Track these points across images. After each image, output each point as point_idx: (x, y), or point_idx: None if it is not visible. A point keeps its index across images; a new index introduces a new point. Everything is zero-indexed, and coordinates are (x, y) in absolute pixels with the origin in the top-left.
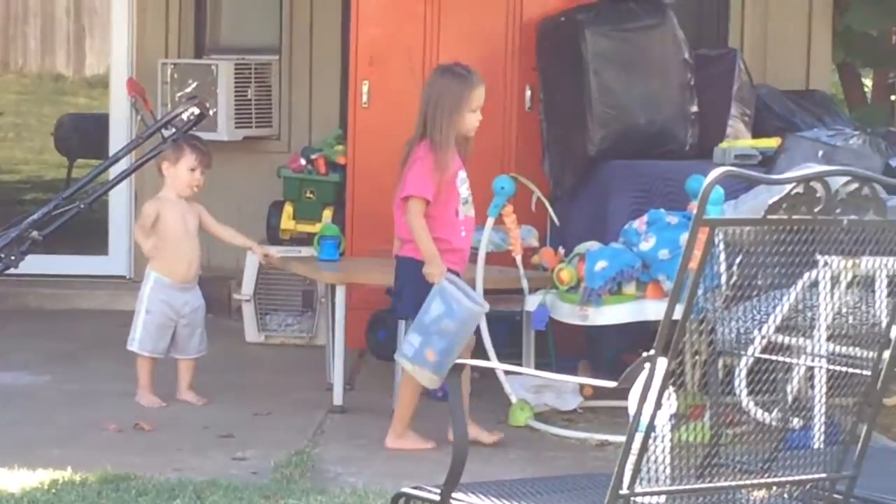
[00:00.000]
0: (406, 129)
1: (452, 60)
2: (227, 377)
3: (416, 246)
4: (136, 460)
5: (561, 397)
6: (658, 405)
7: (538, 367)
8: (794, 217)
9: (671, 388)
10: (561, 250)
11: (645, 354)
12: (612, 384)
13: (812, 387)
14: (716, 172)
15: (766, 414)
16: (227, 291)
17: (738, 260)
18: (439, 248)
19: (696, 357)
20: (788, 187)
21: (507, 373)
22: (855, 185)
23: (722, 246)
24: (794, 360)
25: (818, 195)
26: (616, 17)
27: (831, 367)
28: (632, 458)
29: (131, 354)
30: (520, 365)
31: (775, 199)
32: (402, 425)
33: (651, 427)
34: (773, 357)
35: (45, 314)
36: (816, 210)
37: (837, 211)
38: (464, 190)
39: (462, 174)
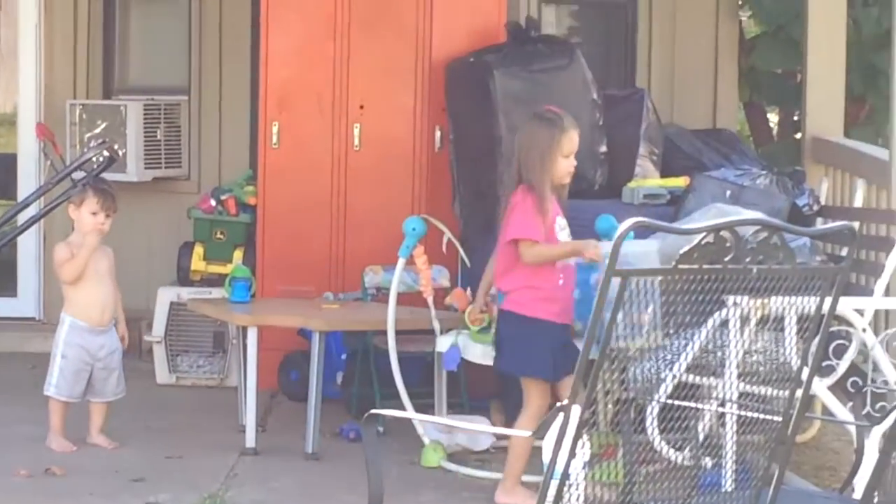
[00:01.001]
0: (316, 169)
1: (545, 107)
2: (138, 420)
3: (518, 298)
4: None
5: (473, 437)
6: (573, 453)
7: (450, 406)
8: (705, 266)
9: (585, 436)
10: (469, 292)
11: (559, 404)
12: (527, 432)
13: (723, 425)
14: (626, 224)
15: (677, 453)
16: (137, 333)
17: (650, 307)
18: (538, 297)
19: (608, 397)
20: (698, 238)
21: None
22: (764, 234)
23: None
24: (705, 406)
25: (728, 244)
26: (524, 59)
27: (742, 412)
28: None
29: (42, 397)
30: (432, 403)
31: (686, 248)
32: (512, 480)
33: (566, 475)
34: (684, 403)
35: None
36: (727, 259)
37: (747, 259)
38: (563, 236)
39: (561, 221)
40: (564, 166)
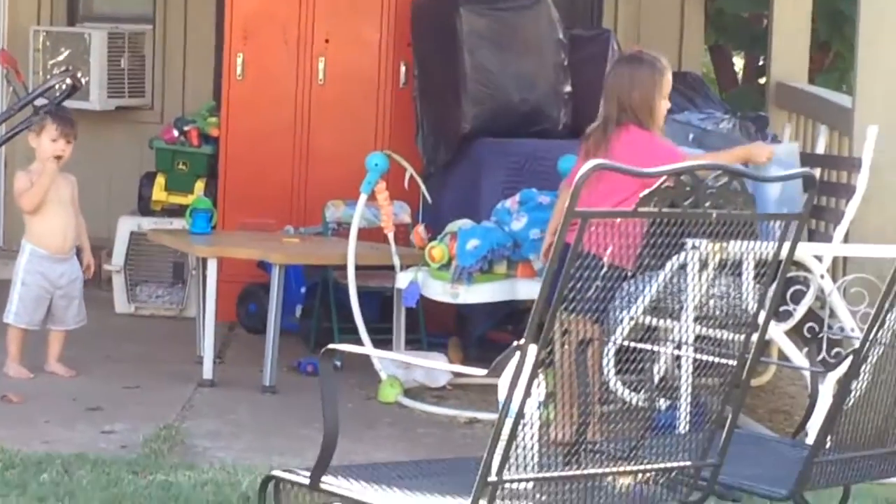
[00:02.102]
0: (280, 102)
1: (636, 48)
2: (96, 349)
3: None
4: (2, 433)
5: (430, 374)
6: (528, 393)
7: (408, 342)
8: (664, 210)
9: (541, 375)
10: (421, 230)
11: (515, 343)
12: (482, 372)
13: (679, 367)
14: (586, 167)
15: (633, 394)
16: (97, 261)
17: (609, 249)
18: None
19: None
20: (659, 180)
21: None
22: (724, 179)
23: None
24: (662, 348)
25: (688, 188)
26: None
27: (698, 355)
28: (501, 445)
29: (2, 325)
30: (390, 339)
31: (646, 192)
32: None
33: (520, 414)
34: (641, 345)
35: None
36: (686, 203)
37: (707, 204)
38: None
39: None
40: (664, 108)
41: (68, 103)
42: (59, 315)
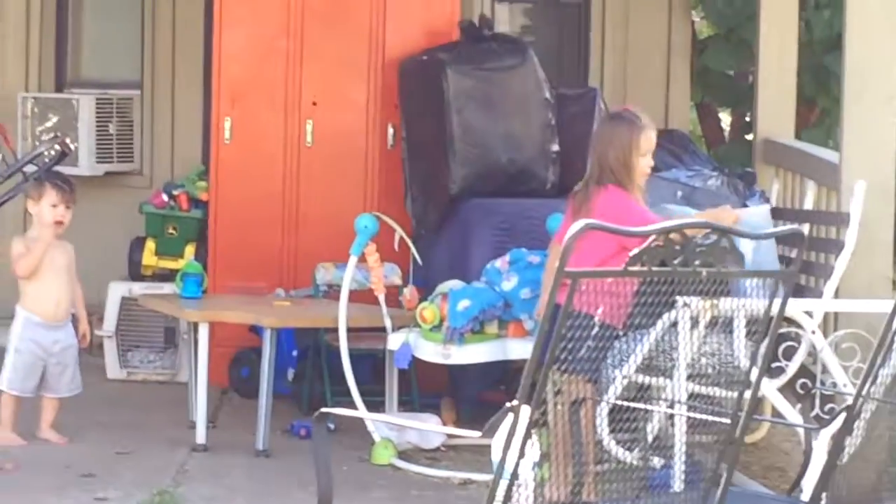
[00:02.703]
0: (268, 165)
1: (621, 106)
2: (88, 415)
3: None
4: None
5: (424, 436)
6: (522, 454)
7: (401, 404)
8: (654, 269)
9: (534, 435)
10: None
11: (508, 404)
12: (476, 434)
13: (673, 425)
14: (576, 226)
15: (627, 453)
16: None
17: (600, 309)
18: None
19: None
20: (649, 239)
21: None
22: (714, 237)
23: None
24: (655, 407)
25: (677, 247)
26: (478, 57)
27: (691, 413)
28: None
29: None
30: (383, 401)
31: (635, 251)
32: None
33: (515, 475)
34: (634, 404)
35: None
36: (676, 262)
37: (696, 262)
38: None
39: None
40: (644, 165)
41: (58, 169)
42: (52, 382)
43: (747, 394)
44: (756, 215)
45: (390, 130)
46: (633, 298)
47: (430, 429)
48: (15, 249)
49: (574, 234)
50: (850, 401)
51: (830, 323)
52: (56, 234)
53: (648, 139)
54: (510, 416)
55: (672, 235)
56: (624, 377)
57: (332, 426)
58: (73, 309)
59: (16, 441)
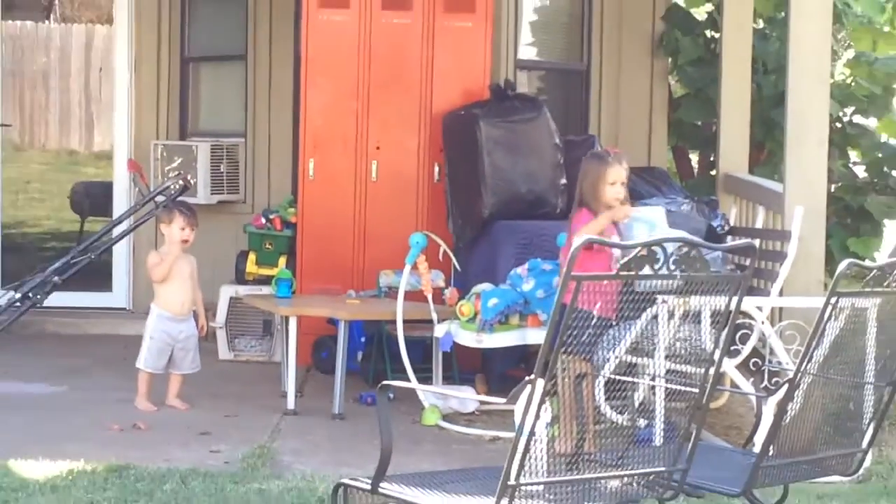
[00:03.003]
0: (343, 196)
1: (607, 148)
2: (204, 387)
3: None
4: (134, 453)
5: (462, 402)
6: (537, 416)
7: (444, 378)
8: (640, 274)
9: (547, 401)
10: (448, 292)
11: (527, 378)
12: (502, 400)
13: (654, 394)
14: (579, 240)
15: (618, 416)
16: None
17: (598, 304)
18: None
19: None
20: (635, 250)
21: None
22: (686, 249)
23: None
24: (640, 380)
25: (658, 256)
26: (503, 112)
27: (668, 385)
28: (518, 457)
29: (130, 368)
30: (430, 376)
31: (625, 259)
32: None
33: (532, 433)
34: (624, 377)
35: (62, 338)
36: (657, 267)
37: (672, 268)
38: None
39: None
40: (612, 193)
41: (181, 199)
42: (178, 362)
43: (712, 370)
44: (649, 212)
45: (436, 168)
46: (618, 296)
47: (467, 397)
48: (151, 260)
49: (577, 246)
50: (791, 375)
51: (776, 315)
52: (182, 249)
53: (615, 171)
54: (528, 387)
55: (654, 248)
56: (616, 357)
57: (391, 395)
58: (194, 307)
59: (150, 408)
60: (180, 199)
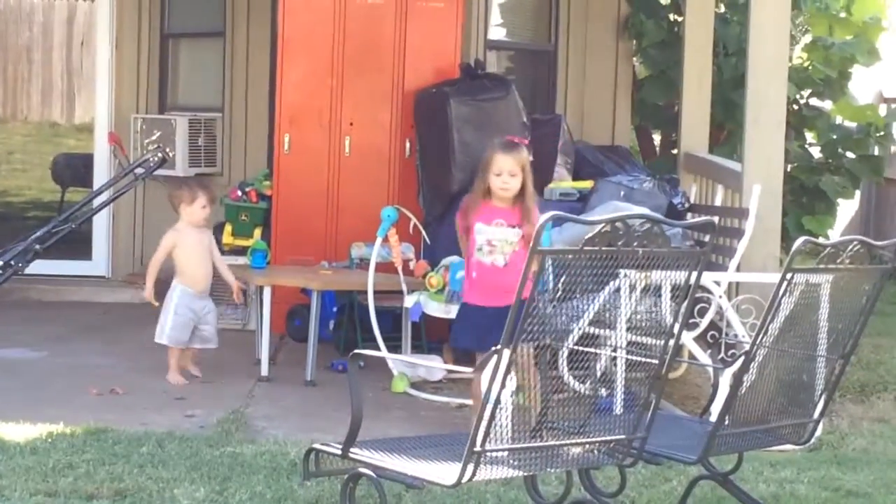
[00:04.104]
0: (317, 170)
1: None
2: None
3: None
4: (111, 417)
5: (430, 371)
6: (503, 385)
7: (413, 348)
8: (604, 248)
9: (513, 371)
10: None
11: (493, 349)
12: (469, 370)
13: (615, 365)
14: (547, 215)
15: (581, 385)
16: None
17: (563, 279)
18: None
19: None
20: (599, 226)
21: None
22: (648, 225)
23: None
24: (602, 351)
25: (621, 232)
26: (473, 90)
27: (629, 356)
28: (483, 424)
29: (109, 334)
30: (400, 345)
31: (589, 234)
32: None
33: (497, 401)
34: (586, 348)
35: (43, 304)
36: (619, 243)
37: (635, 244)
38: (479, 238)
39: (479, 225)
40: (496, 183)
41: (159, 172)
42: (202, 337)
43: (671, 342)
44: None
45: (407, 144)
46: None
47: (435, 366)
48: (167, 241)
49: (544, 221)
50: (748, 348)
51: (733, 290)
52: (202, 226)
53: (498, 160)
54: (494, 357)
55: (617, 224)
56: (579, 329)
57: (361, 364)
58: (215, 277)
59: (181, 381)
60: (197, 174)
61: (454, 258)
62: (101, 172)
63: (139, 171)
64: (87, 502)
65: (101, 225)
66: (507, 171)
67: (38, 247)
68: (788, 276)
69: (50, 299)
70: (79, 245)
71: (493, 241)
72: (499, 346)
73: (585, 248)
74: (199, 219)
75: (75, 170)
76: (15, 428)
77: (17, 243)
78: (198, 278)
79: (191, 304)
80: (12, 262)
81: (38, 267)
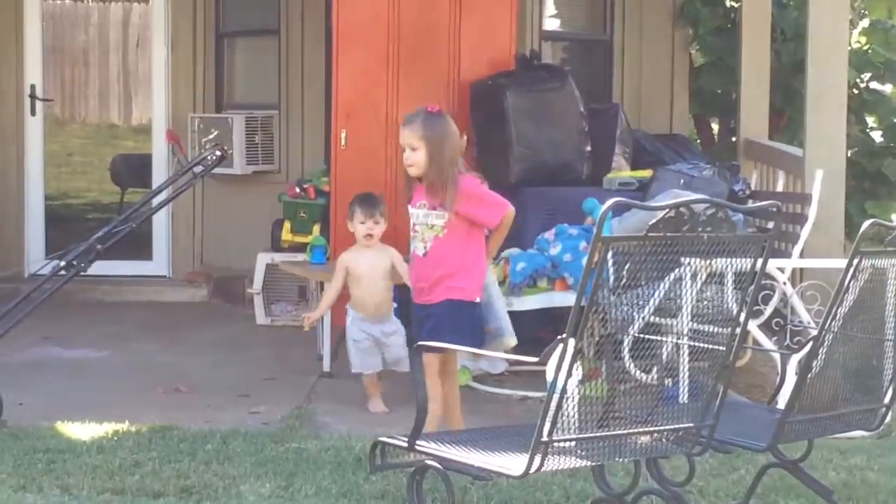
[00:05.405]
0: (374, 165)
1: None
2: (243, 351)
3: None
4: (177, 415)
5: (492, 363)
6: (569, 374)
7: None
8: (668, 234)
9: (578, 360)
10: None
11: (559, 337)
12: (534, 359)
13: (680, 354)
14: (609, 202)
15: (645, 375)
16: (242, 287)
17: (626, 266)
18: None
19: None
20: (663, 212)
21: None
22: (712, 210)
23: (611, 254)
24: (666, 339)
25: (685, 217)
26: (530, 81)
27: (694, 344)
28: (550, 414)
29: (172, 333)
30: None
31: (654, 220)
32: None
33: (564, 390)
34: (650, 337)
35: (106, 305)
36: (684, 228)
37: (699, 229)
38: (416, 216)
39: (409, 208)
40: (404, 157)
41: (217, 170)
42: (388, 362)
43: (737, 330)
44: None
45: (464, 137)
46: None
47: (499, 356)
48: (339, 263)
49: (608, 207)
50: (813, 334)
51: (797, 276)
52: (370, 244)
53: (402, 135)
54: (560, 346)
55: (682, 209)
56: (642, 318)
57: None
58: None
59: (381, 409)
60: (364, 193)
61: (514, 250)
62: (160, 173)
63: (197, 169)
64: (153, 500)
65: (160, 225)
66: (407, 145)
67: (99, 246)
68: (856, 259)
69: (112, 300)
70: (140, 246)
71: (417, 225)
72: (563, 335)
73: (650, 234)
74: (360, 236)
75: (134, 171)
76: (81, 427)
77: (79, 244)
78: (365, 302)
79: (365, 328)
80: (74, 263)
81: (101, 268)
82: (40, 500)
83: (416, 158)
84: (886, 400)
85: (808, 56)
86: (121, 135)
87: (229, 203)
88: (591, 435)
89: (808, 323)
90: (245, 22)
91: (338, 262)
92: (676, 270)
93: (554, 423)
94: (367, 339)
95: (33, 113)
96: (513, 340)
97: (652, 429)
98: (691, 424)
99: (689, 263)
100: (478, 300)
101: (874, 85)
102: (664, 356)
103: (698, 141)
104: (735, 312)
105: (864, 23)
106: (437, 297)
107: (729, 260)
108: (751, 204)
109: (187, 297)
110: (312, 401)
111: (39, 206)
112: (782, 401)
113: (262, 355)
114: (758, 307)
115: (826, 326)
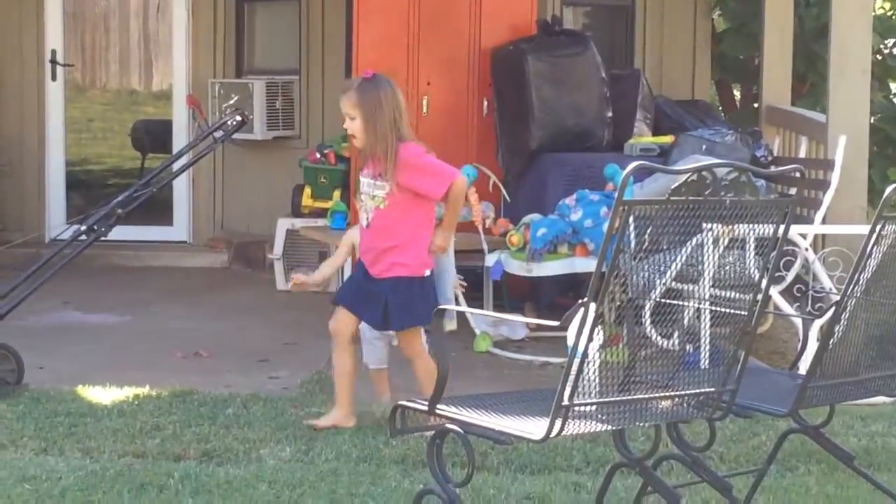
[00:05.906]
0: None
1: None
2: (263, 316)
3: None
4: (196, 379)
5: (512, 329)
6: (590, 338)
7: (495, 307)
8: (690, 198)
9: (599, 325)
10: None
11: (580, 301)
12: (555, 323)
13: (700, 319)
14: (632, 166)
15: (666, 340)
16: (262, 252)
17: (648, 230)
18: None
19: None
20: (685, 176)
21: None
22: (735, 174)
23: (632, 219)
24: (687, 304)
25: (708, 181)
26: (550, 46)
27: (715, 309)
28: (571, 378)
29: (191, 298)
30: (482, 306)
31: (676, 184)
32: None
33: (585, 355)
34: (671, 302)
35: (126, 270)
36: (707, 193)
37: (722, 193)
38: (364, 188)
39: (370, 176)
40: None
41: (237, 135)
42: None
43: (759, 296)
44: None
45: (485, 103)
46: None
47: (520, 319)
48: (343, 240)
49: (629, 171)
50: (835, 300)
51: (819, 242)
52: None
53: (341, 103)
54: (581, 310)
55: (704, 173)
56: (663, 283)
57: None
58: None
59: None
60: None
61: (535, 216)
62: (180, 138)
63: (218, 134)
64: (174, 463)
65: (181, 191)
66: (346, 115)
67: (119, 211)
68: (879, 225)
69: (133, 265)
70: (160, 211)
71: (362, 195)
72: (584, 299)
73: (672, 198)
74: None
75: (155, 136)
76: (102, 391)
77: (100, 209)
78: None
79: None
80: (95, 227)
81: (121, 233)
82: (62, 463)
83: (354, 127)
84: None
85: (831, 21)
86: (141, 100)
87: (250, 168)
88: (612, 399)
89: (830, 289)
90: None
91: (343, 238)
92: (698, 236)
93: (575, 388)
94: (370, 329)
95: (54, 78)
96: (452, 325)
97: (673, 393)
98: (712, 389)
99: (710, 228)
100: (427, 273)
101: None
102: (685, 322)
103: (720, 107)
104: (757, 278)
105: None
106: (383, 272)
107: (751, 225)
108: (773, 169)
109: (207, 262)
110: (332, 366)
111: (60, 172)
112: (804, 366)
113: (282, 320)
114: (780, 273)
115: (848, 292)
